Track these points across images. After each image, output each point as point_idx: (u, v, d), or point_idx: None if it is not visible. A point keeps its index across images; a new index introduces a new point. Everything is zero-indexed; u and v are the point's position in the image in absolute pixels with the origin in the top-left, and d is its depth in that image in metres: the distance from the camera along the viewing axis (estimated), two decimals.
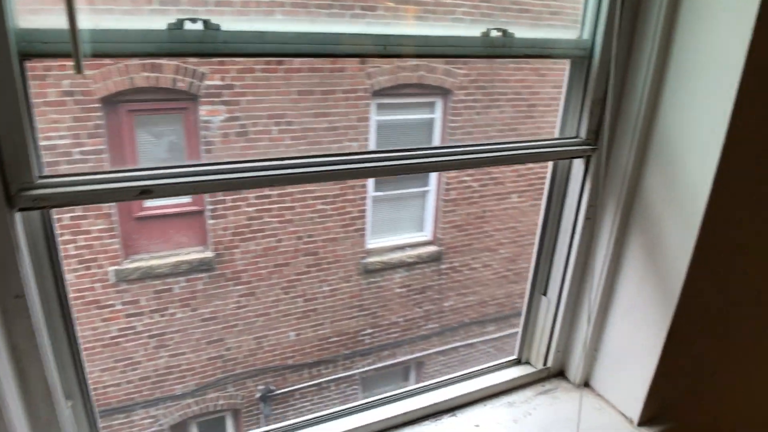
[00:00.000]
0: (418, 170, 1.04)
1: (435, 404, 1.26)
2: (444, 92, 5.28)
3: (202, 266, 4.60)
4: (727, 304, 1.35)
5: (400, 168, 1.02)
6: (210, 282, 4.67)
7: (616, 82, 1.13)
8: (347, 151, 0.99)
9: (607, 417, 1.33)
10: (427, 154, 1.04)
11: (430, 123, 5.45)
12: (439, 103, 5.38)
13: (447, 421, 1.26)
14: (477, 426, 1.25)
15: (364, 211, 5.15)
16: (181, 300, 4.61)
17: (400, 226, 5.58)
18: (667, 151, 1.12)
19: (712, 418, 1.61)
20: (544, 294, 1.39)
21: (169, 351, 4.72)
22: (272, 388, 5.18)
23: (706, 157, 1.06)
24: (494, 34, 1.02)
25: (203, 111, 4.23)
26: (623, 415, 1.33)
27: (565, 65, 1.19)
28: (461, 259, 5.83)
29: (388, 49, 0.91)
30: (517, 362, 1.46)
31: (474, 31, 1.00)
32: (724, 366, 1.50)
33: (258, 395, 5.15)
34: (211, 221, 4.54)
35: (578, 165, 1.24)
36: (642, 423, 1.30)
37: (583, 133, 1.19)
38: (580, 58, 1.13)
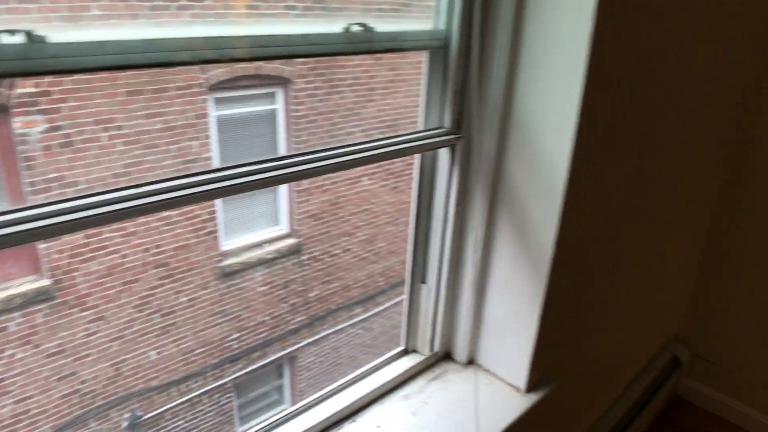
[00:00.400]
0: (281, 182, 0.98)
1: (333, 414, 1.22)
2: (283, 81, 5.17)
3: (40, 297, 4.10)
4: (593, 269, 1.47)
5: (260, 182, 0.95)
6: (51, 312, 4.18)
7: (474, 71, 1.15)
8: (205, 170, 0.90)
9: (497, 390, 1.39)
10: (288, 164, 0.98)
11: (272, 114, 5.32)
12: (279, 93, 5.27)
13: (347, 428, 1.23)
14: (378, 427, 1.23)
15: (213, 212, 4.91)
16: (19, 338, 4.08)
17: (254, 223, 5.41)
18: (526, 134, 1.17)
19: (588, 372, 1.76)
20: (424, 282, 1.41)
21: (14, 397, 4.17)
22: (139, 413, 4.81)
23: (562, 137, 1.12)
24: (355, 29, 0.99)
25: (18, 123, 3.73)
26: (511, 385, 1.39)
27: (422, 55, 1.19)
28: (321, 248, 5.81)
29: (249, 51, 0.84)
30: (405, 353, 1.47)
31: (335, 27, 0.96)
32: (594, 324, 1.64)
33: (125, 424, 4.75)
34: (43, 245, 4.05)
35: (444, 154, 1.25)
36: (529, 389, 1.38)
37: (446, 123, 1.21)
38: (437, 48, 1.14)
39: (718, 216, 2.32)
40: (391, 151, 1.13)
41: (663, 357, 2.45)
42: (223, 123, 4.92)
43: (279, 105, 5.29)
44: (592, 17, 1.00)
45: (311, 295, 5.87)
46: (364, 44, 1.00)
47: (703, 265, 2.45)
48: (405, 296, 1.44)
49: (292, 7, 4.74)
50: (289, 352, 5.89)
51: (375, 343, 6.62)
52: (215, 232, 4.97)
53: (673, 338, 2.54)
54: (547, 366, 1.41)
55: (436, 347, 1.45)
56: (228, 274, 5.17)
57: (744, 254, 2.32)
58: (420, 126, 1.25)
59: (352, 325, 6.32)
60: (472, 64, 1.14)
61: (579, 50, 1.04)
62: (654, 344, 2.39)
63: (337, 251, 5.96)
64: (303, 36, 0.92)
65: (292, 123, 5.28)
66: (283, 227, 5.55)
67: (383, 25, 1.04)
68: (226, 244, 5.15)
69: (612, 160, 1.33)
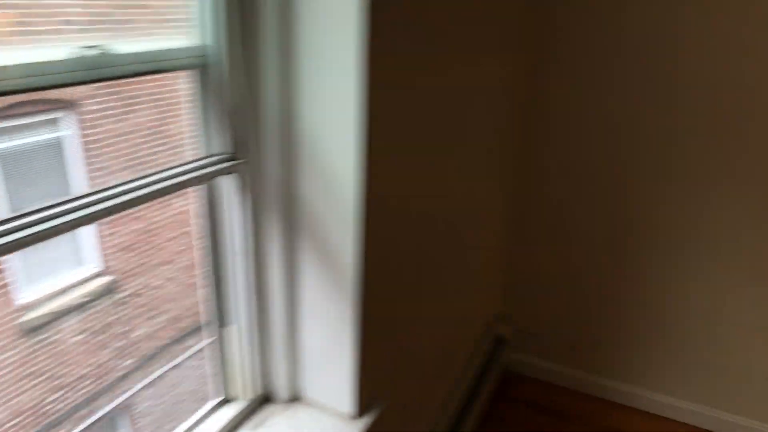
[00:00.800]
0: (55, 234, 0.82)
1: None
2: (69, 105, 4.62)
3: None
4: (404, 277, 1.43)
5: (35, 236, 0.79)
6: None
7: (246, 89, 1.04)
8: None
9: (326, 422, 1.30)
10: (58, 213, 0.83)
11: (59, 142, 4.74)
12: (67, 118, 4.71)
13: None
14: None
15: (2, 262, 4.26)
16: None
17: (56, 267, 4.79)
18: (314, 152, 1.08)
19: (419, 377, 1.75)
20: (228, 325, 1.27)
21: None
22: None
23: (348, 150, 1.05)
24: (89, 53, 0.82)
25: None
26: (340, 414, 1.31)
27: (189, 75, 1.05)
28: (140, 281, 5.32)
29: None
30: (224, 402, 1.32)
31: (59, 53, 0.79)
32: (415, 330, 1.62)
33: None
34: None
35: (230, 182, 1.13)
36: (361, 413, 1.31)
37: (226, 148, 1.08)
38: (201, 68, 1.01)
39: (519, 203, 2.48)
40: (166, 187, 0.97)
41: (488, 338, 2.56)
42: (3, 158, 4.29)
43: (69, 131, 4.73)
44: (359, 23, 0.94)
45: (136, 334, 5.37)
46: (102, 70, 0.84)
47: (511, 249, 2.60)
48: (210, 344, 1.29)
49: (69, 22, 4.25)
50: (122, 402, 5.34)
51: (218, 371, 6.26)
52: (8, 285, 4.32)
53: (493, 319, 2.66)
54: (375, 384, 1.35)
55: (257, 390, 1.32)
56: (33, 329, 4.53)
57: (541, 235, 2.51)
58: (198, 154, 1.11)
59: (188, 358, 5.91)
60: (238, 81, 1.03)
61: (352, 60, 0.97)
62: (477, 329, 2.48)
63: (160, 282, 5.51)
64: (25, 66, 0.74)
65: (89, 149, 4.76)
66: (92, 266, 4.99)
67: (131, 45, 0.89)
68: (25, 296, 4.51)
69: (406, 164, 1.30)
